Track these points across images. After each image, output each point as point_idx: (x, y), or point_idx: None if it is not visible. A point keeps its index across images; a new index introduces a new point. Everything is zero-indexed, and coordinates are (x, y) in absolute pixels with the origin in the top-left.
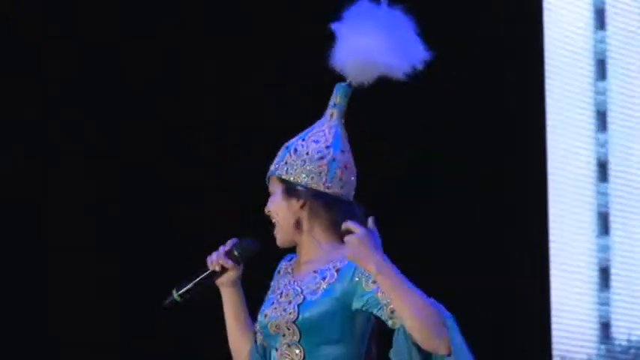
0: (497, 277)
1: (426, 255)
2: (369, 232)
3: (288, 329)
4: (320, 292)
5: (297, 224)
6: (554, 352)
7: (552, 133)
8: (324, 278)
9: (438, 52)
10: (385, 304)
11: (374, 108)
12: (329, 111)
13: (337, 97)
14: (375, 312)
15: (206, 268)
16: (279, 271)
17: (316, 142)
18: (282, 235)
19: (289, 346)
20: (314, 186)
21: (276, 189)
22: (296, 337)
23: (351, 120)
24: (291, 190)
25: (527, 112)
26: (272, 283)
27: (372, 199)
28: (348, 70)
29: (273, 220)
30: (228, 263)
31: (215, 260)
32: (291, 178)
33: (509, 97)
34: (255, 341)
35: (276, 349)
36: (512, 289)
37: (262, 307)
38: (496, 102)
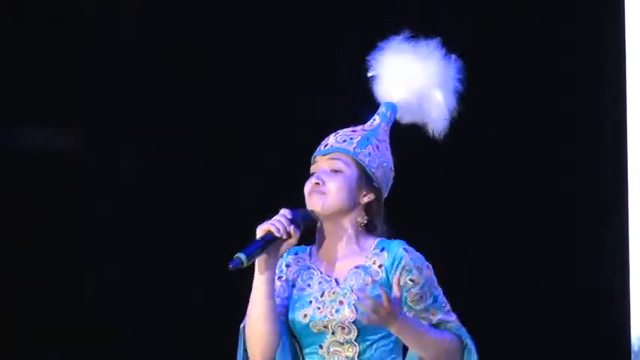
0: None
1: None
2: (391, 299)
3: (343, 328)
4: (369, 289)
5: (349, 210)
6: None
7: None
8: (369, 275)
9: None
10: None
11: None
12: (383, 123)
13: (384, 108)
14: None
15: (266, 235)
16: (287, 265)
17: (387, 150)
18: (330, 206)
19: (341, 344)
20: (382, 190)
21: (344, 168)
22: (352, 336)
23: None
24: (367, 180)
25: None
26: (282, 277)
27: None
28: (403, 103)
29: (320, 189)
30: (295, 231)
31: (283, 228)
32: (372, 172)
33: None
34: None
35: (320, 346)
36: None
37: (293, 306)
38: None
